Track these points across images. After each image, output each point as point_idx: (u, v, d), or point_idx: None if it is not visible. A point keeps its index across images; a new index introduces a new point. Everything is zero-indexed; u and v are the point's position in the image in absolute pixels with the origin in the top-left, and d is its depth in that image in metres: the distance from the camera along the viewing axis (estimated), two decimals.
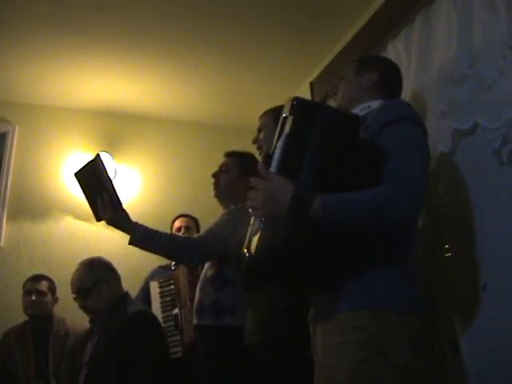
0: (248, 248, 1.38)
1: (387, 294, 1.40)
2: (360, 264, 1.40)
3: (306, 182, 1.32)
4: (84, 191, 2.07)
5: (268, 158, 1.40)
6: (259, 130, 2.15)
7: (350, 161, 1.36)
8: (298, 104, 1.38)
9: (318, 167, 1.34)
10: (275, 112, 2.09)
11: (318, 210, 1.28)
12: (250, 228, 1.42)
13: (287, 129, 1.36)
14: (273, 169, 1.37)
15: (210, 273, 2.26)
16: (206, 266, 2.33)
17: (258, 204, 1.35)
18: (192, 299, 2.68)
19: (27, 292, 2.97)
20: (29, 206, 3.56)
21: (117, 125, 3.89)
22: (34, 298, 2.95)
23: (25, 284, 3.02)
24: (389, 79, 1.75)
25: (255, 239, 1.37)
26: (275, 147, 1.39)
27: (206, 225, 3.20)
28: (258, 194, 1.35)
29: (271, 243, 1.35)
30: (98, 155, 2.03)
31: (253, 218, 1.42)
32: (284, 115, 1.40)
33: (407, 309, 1.41)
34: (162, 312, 2.89)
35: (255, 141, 2.15)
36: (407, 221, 1.40)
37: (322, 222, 1.28)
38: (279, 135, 1.39)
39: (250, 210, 1.40)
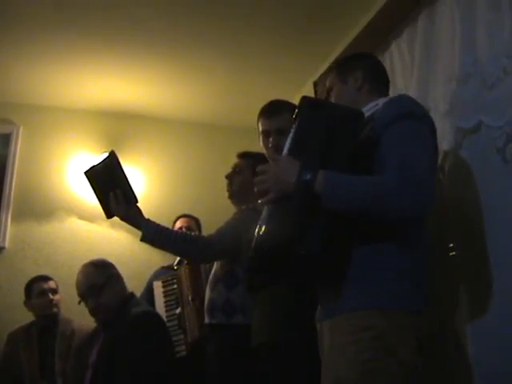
0: (258, 233, 1.42)
1: (397, 292, 1.39)
2: (369, 259, 1.40)
3: (312, 161, 1.39)
4: (94, 189, 2.10)
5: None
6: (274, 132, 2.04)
7: (350, 155, 1.41)
8: (304, 102, 1.51)
9: (321, 161, 1.39)
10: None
11: (321, 182, 1.33)
12: (261, 218, 1.45)
13: (295, 125, 1.48)
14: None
15: (221, 271, 2.27)
16: (216, 264, 2.33)
17: (267, 185, 1.41)
18: (194, 298, 2.69)
19: (41, 292, 2.97)
20: (33, 206, 3.57)
21: (120, 125, 3.90)
22: (51, 296, 2.97)
23: (33, 286, 3.01)
24: (373, 72, 1.75)
25: (264, 226, 1.42)
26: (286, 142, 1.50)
27: (208, 225, 3.23)
28: (268, 175, 1.42)
29: (281, 225, 1.39)
30: (112, 151, 2.06)
31: (264, 209, 1.45)
32: (294, 115, 1.51)
33: (416, 308, 1.41)
34: (166, 311, 2.89)
35: (276, 145, 2.01)
36: (417, 207, 1.37)
37: (325, 195, 1.32)
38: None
39: (260, 201, 1.44)
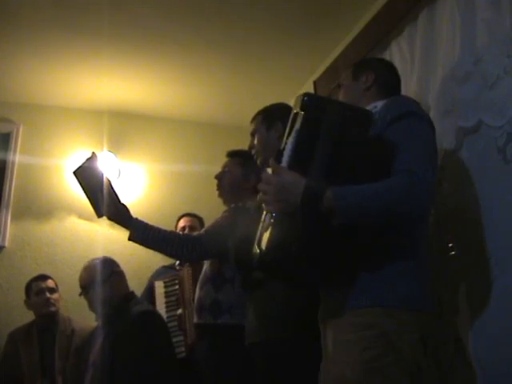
0: (259, 245, 1.39)
1: (400, 291, 1.39)
2: (372, 259, 1.40)
3: (317, 176, 1.34)
4: (83, 189, 2.10)
5: (279, 154, 1.42)
6: (252, 135, 2.13)
7: (359, 156, 1.37)
8: (308, 100, 1.41)
9: (328, 163, 1.35)
10: (265, 115, 2.09)
11: (330, 199, 1.29)
12: (260, 224, 1.43)
13: (298, 125, 1.39)
14: (284, 164, 1.39)
15: (209, 271, 2.27)
16: (206, 264, 2.33)
17: (269, 198, 1.37)
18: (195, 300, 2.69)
19: (39, 291, 2.97)
20: (33, 206, 3.57)
21: (121, 124, 3.90)
22: (48, 295, 2.96)
23: (32, 285, 3.01)
24: (386, 78, 1.76)
25: (266, 235, 1.37)
26: (286, 143, 1.42)
27: None
28: (270, 189, 1.37)
29: (283, 238, 1.35)
30: (93, 153, 2.08)
31: (264, 214, 1.42)
32: (295, 111, 1.43)
33: (419, 307, 1.41)
34: (167, 312, 2.89)
35: (251, 147, 2.13)
36: (421, 210, 1.39)
37: (335, 212, 1.29)
38: (290, 131, 1.41)
39: (263, 205, 1.41)
